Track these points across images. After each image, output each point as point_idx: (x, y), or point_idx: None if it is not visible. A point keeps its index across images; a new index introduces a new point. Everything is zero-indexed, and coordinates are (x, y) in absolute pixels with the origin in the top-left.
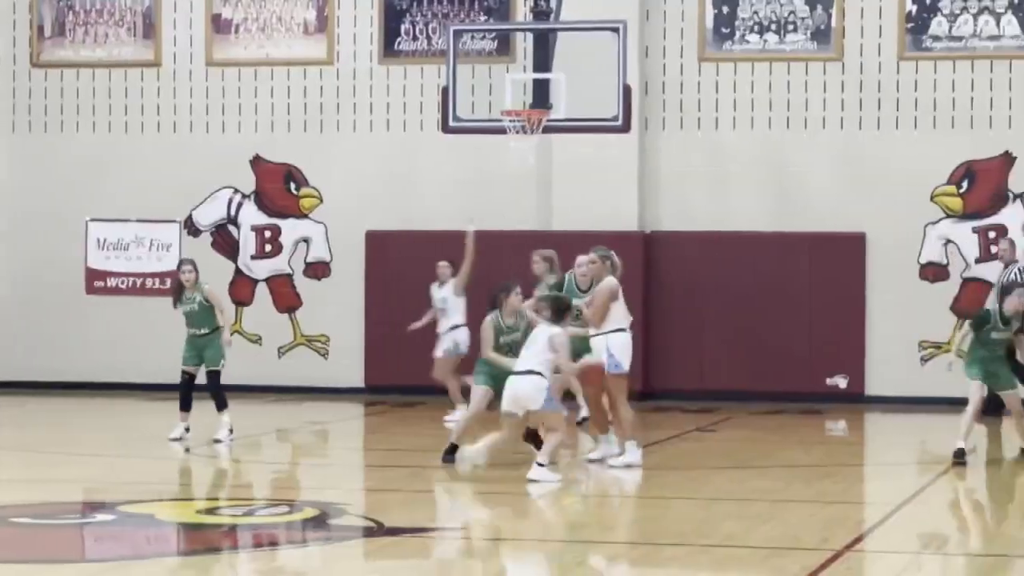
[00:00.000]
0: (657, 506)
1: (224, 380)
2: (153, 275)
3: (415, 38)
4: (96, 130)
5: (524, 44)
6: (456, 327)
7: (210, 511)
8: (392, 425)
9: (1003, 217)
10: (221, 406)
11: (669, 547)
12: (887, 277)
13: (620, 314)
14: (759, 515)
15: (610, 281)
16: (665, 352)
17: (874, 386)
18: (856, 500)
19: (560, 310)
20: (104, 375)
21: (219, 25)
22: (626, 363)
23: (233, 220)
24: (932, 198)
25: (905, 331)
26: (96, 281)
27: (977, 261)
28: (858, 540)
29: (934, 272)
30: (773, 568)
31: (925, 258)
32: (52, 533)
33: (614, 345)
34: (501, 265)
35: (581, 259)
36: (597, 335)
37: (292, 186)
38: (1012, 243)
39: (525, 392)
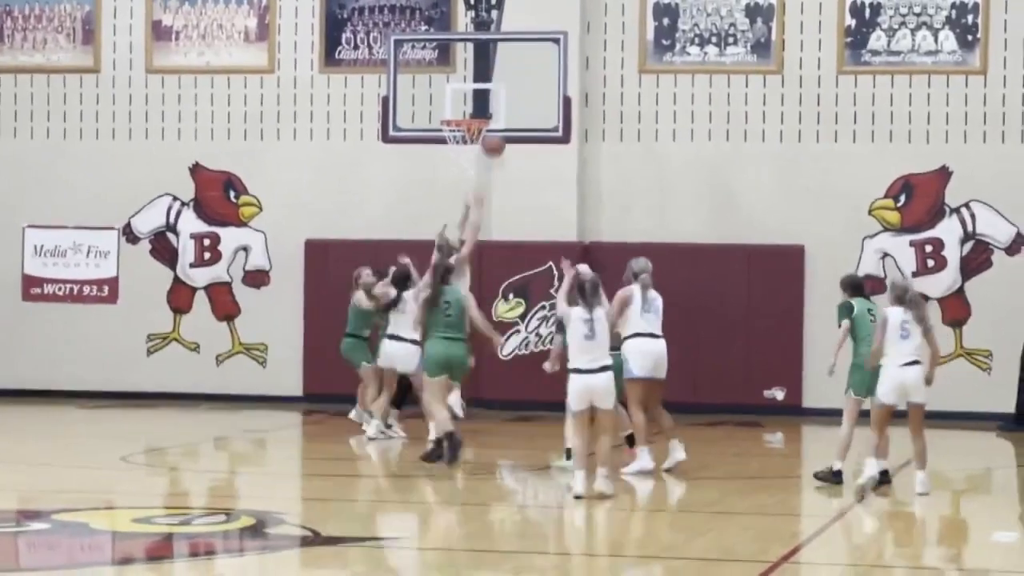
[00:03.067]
0: (593, 517)
1: (163, 387)
2: (91, 282)
3: (356, 47)
4: (34, 136)
5: (465, 54)
6: None
7: (146, 520)
8: (330, 434)
9: (940, 231)
10: None
11: (605, 558)
12: (825, 290)
13: (633, 319)
14: (696, 527)
15: (624, 290)
16: None
17: (811, 398)
18: (793, 512)
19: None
20: (40, 383)
21: (159, 32)
22: (636, 369)
23: (172, 228)
24: (870, 211)
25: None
26: (33, 288)
27: (914, 274)
28: (794, 552)
29: (872, 285)
30: None
31: (863, 271)
32: None
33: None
34: None
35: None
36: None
37: (232, 194)
38: None
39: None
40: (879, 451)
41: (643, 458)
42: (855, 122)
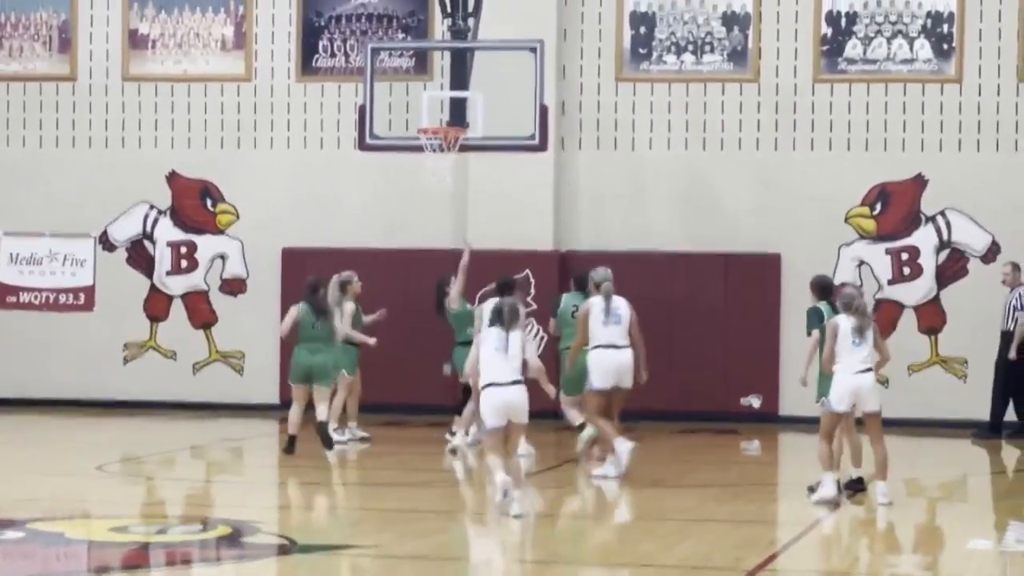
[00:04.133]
0: (571, 525)
1: (140, 396)
2: (67, 291)
3: (333, 55)
4: (10, 144)
5: (442, 62)
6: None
7: (122, 529)
8: (306, 442)
9: (916, 239)
10: None
11: (583, 566)
12: (802, 298)
13: (595, 331)
14: (673, 534)
15: (585, 303)
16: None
17: (788, 406)
18: (769, 520)
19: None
20: (16, 391)
21: (136, 40)
22: (596, 381)
23: (149, 236)
24: (846, 219)
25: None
26: (8, 296)
27: (890, 282)
28: (771, 560)
29: None
30: None
31: (839, 279)
32: None
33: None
34: (418, 282)
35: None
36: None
37: (208, 202)
38: (1016, 267)
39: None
40: (853, 459)
41: (610, 466)
42: (831, 130)
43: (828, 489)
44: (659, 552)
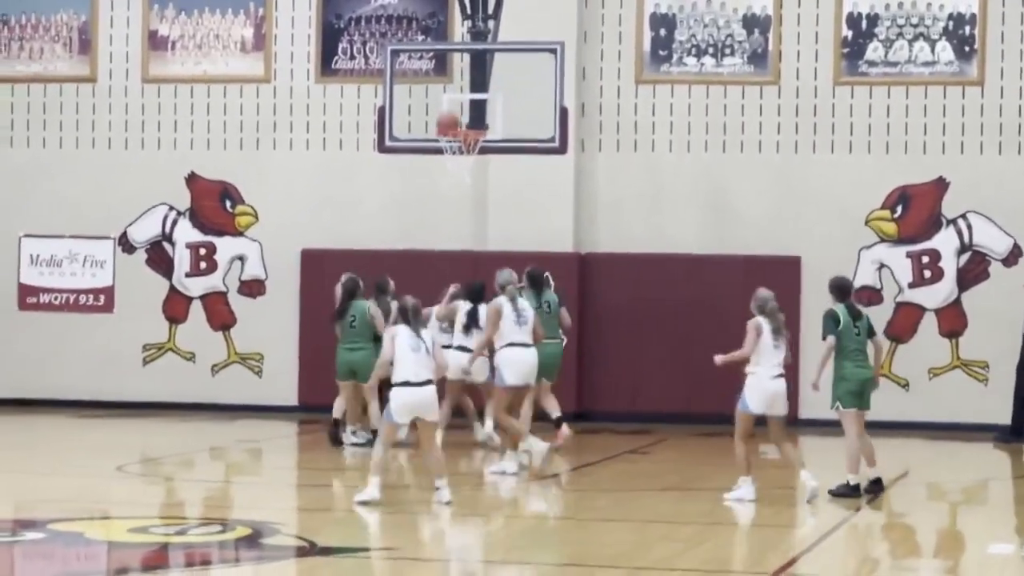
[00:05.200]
0: (589, 528)
1: (158, 397)
2: (87, 291)
3: (352, 57)
4: (31, 145)
5: (461, 64)
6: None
7: (141, 530)
8: (325, 444)
9: (937, 242)
10: None
11: (601, 569)
12: (822, 301)
13: (507, 330)
14: (692, 538)
15: (494, 303)
16: (599, 373)
17: (808, 410)
18: (788, 524)
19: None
20: (36, 392)
21: (155, 42)
22: (509, 377)
23: (168, 237)
24: (867, 222)
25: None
26: (29, 297)
27: (911, 286)
28: (790, 564)
29: (868, 296)
30: None
31: (859, 282)
32: None
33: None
34: (436, 284)
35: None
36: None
37: (228, 204)
38: None
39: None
40: (867, 459)
41: (510, 462)
42: (852, 133)
43: (745, 491)
44: (678, 555)
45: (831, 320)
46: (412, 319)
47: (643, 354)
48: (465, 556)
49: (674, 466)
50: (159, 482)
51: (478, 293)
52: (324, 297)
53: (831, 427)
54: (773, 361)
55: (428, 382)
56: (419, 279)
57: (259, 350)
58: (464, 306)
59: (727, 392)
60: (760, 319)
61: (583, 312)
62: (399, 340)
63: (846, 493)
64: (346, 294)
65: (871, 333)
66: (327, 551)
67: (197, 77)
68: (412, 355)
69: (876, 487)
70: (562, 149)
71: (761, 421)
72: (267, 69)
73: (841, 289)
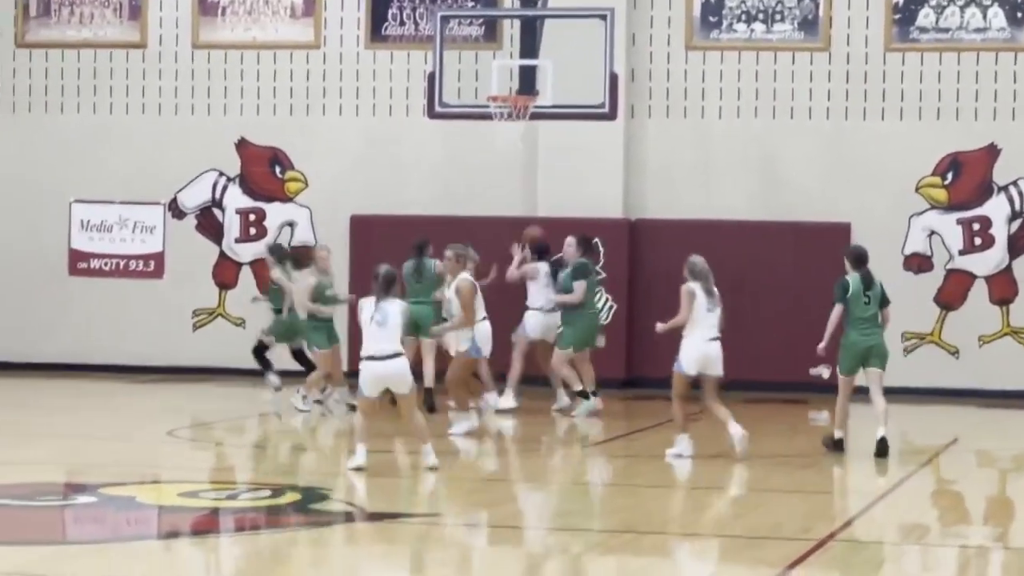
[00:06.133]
0: (639, 494)
1: (207, 363)
2: (137, 257)
3: (402, 23)
4: (81, 111)
5: (511, 31)
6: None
7: (192, 494)
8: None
9: (987, 209)
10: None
11: (650, 535)
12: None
13: (481, 305)
14: (741, 504)
15: (467, 278)
16: (649, 340)
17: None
18: (838, 490)
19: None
20: (86, 357)
21: (206, 7)
22: (486, 349)
23: (218, 203)
24: (917, 189)
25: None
26: (79, 263)
27: (961, 253)
28: (840, 529)
29: (918, 263)
30: (754, 558)
31: (909, 249)
32: (33, 514)
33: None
34: (486, 250)
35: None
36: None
37: (277, 169)
38: None
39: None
40: (879, 418)
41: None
42: (903, 99)
43: (682, 448)
44: (727, 522)
45: (840, 289)
46: (382, 289)
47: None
48: (513, 523)
49: (723, 433)
50: (209, 447)
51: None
52: (373, 262)
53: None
54: (707, 324)
55: (395, 355)
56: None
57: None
58: (543, 267)
59: (775, 359)
60: (692, 284)
61: (633, 278)
62: (363, 314)
63: (831, 447)
64: (416, 250)
65: (884, 303)
66: (376, 517)
67: (247, 43)
68: (376, 329)
69: (881, 446)
70: (612, 115)
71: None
72: (317, 35)
73: (857, 257)
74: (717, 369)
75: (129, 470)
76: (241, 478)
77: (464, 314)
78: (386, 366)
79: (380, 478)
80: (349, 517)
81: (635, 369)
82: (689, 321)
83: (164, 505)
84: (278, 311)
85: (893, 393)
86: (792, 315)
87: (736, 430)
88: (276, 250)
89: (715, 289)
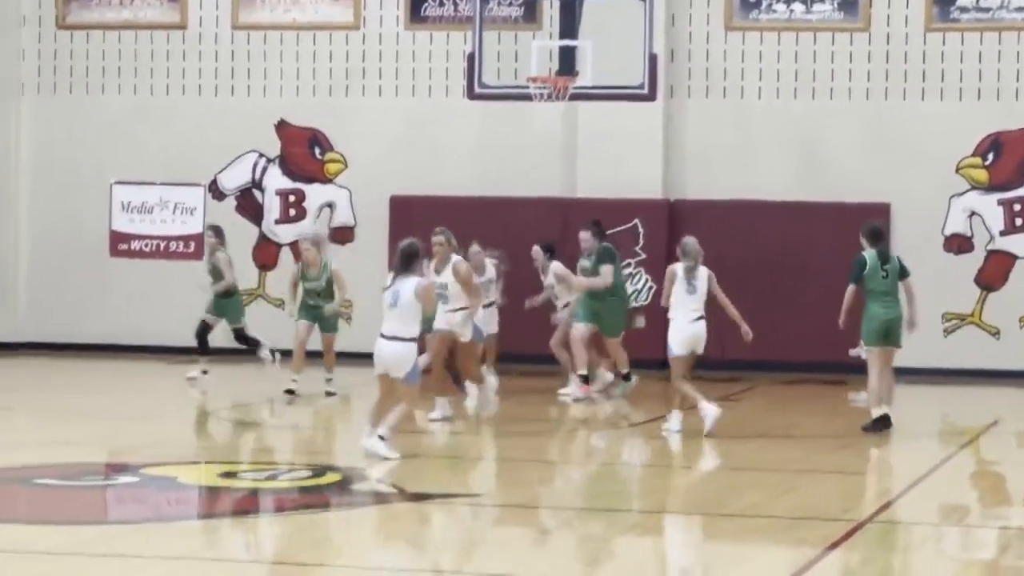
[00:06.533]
0: (679, 475)
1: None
2: (177, 238)
3: (442, 4)
4: (122, 92)
5: (551, 11)
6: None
7: (232, 474)
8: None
9: None
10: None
11: (690, 516)
12: (911, 248)
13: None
14: (781, 485)
15: (461, 259)
16: None
17: (897, 357)
18: (878, 471)
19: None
20: (126, 337)
21: None
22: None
23: (258, 184)
24: (957, 170)
25: (929, 303)
26: (120, 244)
27: (1002, 233)
28: (880, 511)
29: (958, 244)
30: (795, 538)
31: (950, 230)
32: (76, 494)
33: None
34: (525, 231)
35: (581, 234)
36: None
37: (317, 151)
38: None
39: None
40: (882, 396)
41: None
42: (943, 80)
43: (673, 423)
44: (766, 502)
45: (857, 266)
46: (400, 265)
47: (732, 301)
48: (553, 503)
49: (763, 414)
50: (250, 428)
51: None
52: None
53: (924, 375)
54: (690, 306)
55: (395, 338)
56: (507, 226)
57: (348, 297)
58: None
59: (817, 340)
60: (676, 266)
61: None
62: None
63: (873, 428)
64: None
65: (903, 275)
66: (416, 497)
67: (287, 24)
68: (386, 309)
69: (884, 423)
70: (651, 96)
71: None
72: (356, 16)
73: (873, 234)
74: (699, 348)
75: (170, 450)
76: (281, 458)
77: (467, 291)
78: (383, 347)
79: (420, 459)
80: (390, 497)
81: None
82: (673, 303)
83: (205, 485)
84: (232, 293)
85: (933, 374)
86: (832, 296)
87: (676, 416)
88: (219, 231)
89: (700, 270)
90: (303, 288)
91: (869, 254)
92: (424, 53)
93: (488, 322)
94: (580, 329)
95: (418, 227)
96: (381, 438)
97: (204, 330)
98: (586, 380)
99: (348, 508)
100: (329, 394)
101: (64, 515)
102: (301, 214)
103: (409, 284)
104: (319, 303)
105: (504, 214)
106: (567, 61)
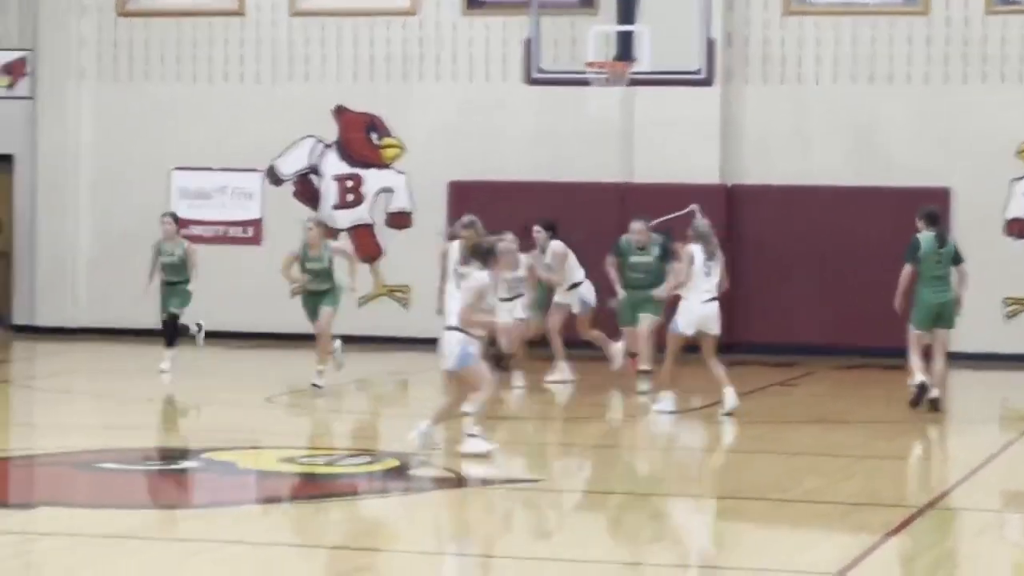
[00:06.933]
0: (738, 460)
1: (307, 329)
2: (236, 224)
3: None
4: (180, 79)
5: None
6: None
7: (291, 460)
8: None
9: None
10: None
11: (749, 501)
12: (971, 233)
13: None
14: (840, 471)
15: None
16: (746, 306)
17: (957, 342)
18: (937, 457)
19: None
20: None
21: None
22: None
23: (315, 169)
24: (1018, 153)
25: (989, 287)
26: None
27: None
28: (940, 497)
29: (1019, 228)
30: (855, 524)
31: (1010, 214)
32: (137, 479)
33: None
34: (583, 217)
35: (635, 226)
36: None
37: (374, 136)
38: None
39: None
40: (936, 379)
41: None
42: (1003, 63)
43: (665, 404)
44: (825, 488)
45: (911, 248)
46: (468, 254)
47: (790, 286)
48: (612, 488)
49: (822, 399)
50: (308, 413)
51: None
52: None
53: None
54: (704, 287)
55: (449, 327)
56: (564, 211)
57: (406, 282)
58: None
59: (874, 325)
60: (692, 247)
61: (729, 244)
62: None
63: (917, 397)
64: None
65: (956, 261)
66: (474, 483)
67: (344, 10)
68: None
69: (930, 399)
70: (709, 81)
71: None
72: (414, 2)
73: (930, 217)
74: (715, 329)
75: (230, 435)
76: (339, 444)
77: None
78: (444, 336)
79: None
80: (449, 483)
81: (733, 334)
82: (688, 283)
83: (264, 470)
84: (184, 281)
85: (994, 359)
86: (889, 281)
87: (730, 391)
88: (177, 218)
89: (717, 251)
90: (304, 270)
91: (924, 236)
92: (481, 39)
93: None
94: (649, 322)
95: (476, 212)
96: (472, 436)
97: (173, 321)
98: (647, 373)
99: (406, 493)
100: (315, 387)
101: (125, 499)
102: (359, 199)
103: (470, 278)
104: (319, 287)
105: (561, 199)
106: (624, 46)
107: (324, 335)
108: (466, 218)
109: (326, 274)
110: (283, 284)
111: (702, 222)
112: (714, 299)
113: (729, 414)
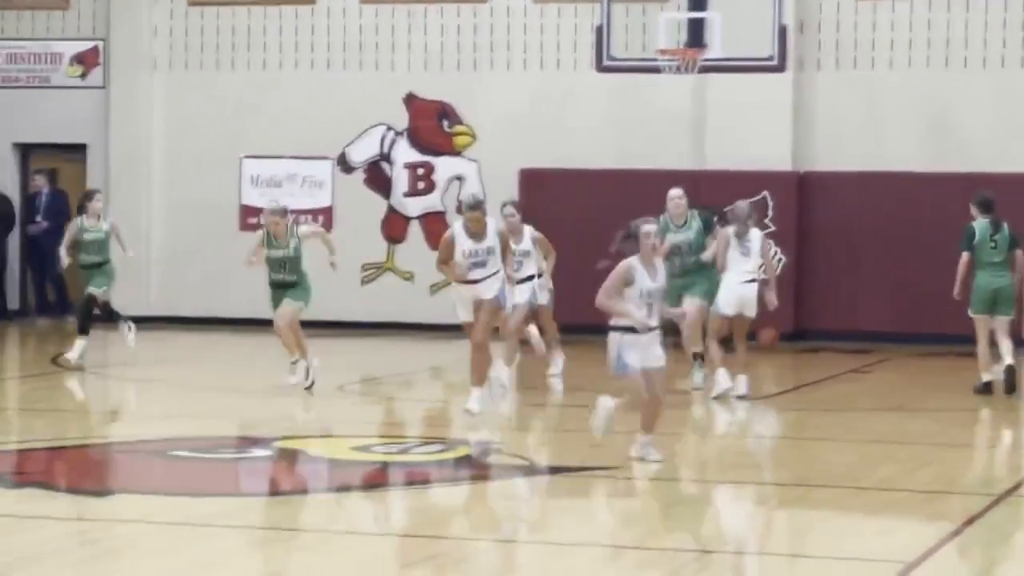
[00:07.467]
0: (810, 448)
1: (378, 317)
2: (306, 212)
3: None
4: (251, 67)
5: None
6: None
7: (364, 448)
8: (544, 365)
9: None
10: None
11: (823, 489)
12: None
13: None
14: (915, 458)
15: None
16: (818, 292)
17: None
18: (1014, 444)
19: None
20: (256, 312)
21: None
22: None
23: (386, 157)
24: None
25: None
26: (250, 218)
27: None
28: (1019, 485)
29: None
30: (933, 512)
31: None
32: (210, 467)
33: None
34: (656, 204)
35: (673, 192)
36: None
37: (445, 124)
38: None
39: None
40: (990, 362)
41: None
42: None
43: (721, 384)
44: (901, 476)
45: (967, 236)
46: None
47: (862, 273)
48: (686, 476)
49: (895, 386)
50: (380, 401)
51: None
52: (542, 216)
53: None
54: (742, 268)
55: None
56: (636, 198)
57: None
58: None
59: (947, 312)
60: (728, 229)
61: (801, 230)
62: None
63: (981, 390)
64: None
65: (1013, 245)
66: (548, 470)
67: None
68: None
69: (1008, 374)
70: (781, 67)
71: None
72: None
73: (984, 204)
74: (751, 311)
75: (301, 424)
76: (412, 432)
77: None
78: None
79: (550, 432)
80: (522, 471)
81: (804, 322)
82: (727, 265)
83: (336, 459)
84: (105, 262)
85: None
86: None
87: (742, 379)
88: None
89: (750, 233)
90: (268, 259)
91: (979, 223)
92: (552, 26)
93: (522, 293)
94: (696, 305)
95: (548, 200)
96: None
97: (89, 305)
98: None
99: (478, 482)
100: (309, 388)
101: (199, 487)
102: (430, 187)
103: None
104: (285, 278)
105: (634, 187)
106: (696, 33)
107: (283, 331)
108: (472, 199)
109: (293, 263)
110: (355, 273)
111: (743, 204)
112: (752, 280)
113: (742, 397)
